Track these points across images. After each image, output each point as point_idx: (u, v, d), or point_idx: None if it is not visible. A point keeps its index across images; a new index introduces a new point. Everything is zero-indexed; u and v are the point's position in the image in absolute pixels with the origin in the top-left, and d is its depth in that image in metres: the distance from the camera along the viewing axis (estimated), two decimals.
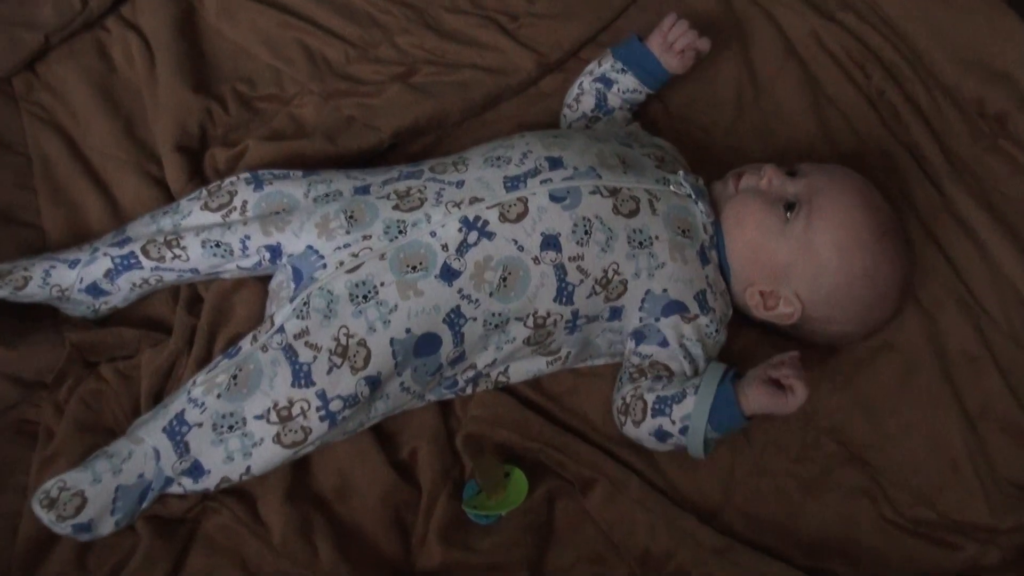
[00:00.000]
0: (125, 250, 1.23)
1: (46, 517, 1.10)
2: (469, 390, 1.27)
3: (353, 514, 1.22)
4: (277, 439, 1.13)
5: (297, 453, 1.16)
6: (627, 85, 1.40)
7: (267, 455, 1.14)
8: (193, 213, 1.24)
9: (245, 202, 1.24)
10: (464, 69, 1.47)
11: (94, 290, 1.24)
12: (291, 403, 1.13)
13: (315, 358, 1.14)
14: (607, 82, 1.40)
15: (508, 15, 1.52)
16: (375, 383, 1.16)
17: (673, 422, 1.19)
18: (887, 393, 1.34)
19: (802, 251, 1.25)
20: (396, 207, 1.21)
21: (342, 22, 1.49)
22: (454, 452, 1.26)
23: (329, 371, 1.14)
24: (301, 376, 1.13)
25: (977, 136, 1.50)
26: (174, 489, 1.16)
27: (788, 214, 1.26)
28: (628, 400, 1.23)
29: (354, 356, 1.15)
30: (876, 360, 1.35)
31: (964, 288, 1.40)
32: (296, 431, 1.13)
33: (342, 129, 1.39)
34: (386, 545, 1.21)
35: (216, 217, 1.24)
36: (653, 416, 1.20)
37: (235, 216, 1.24)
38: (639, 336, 1.27)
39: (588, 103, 1.41)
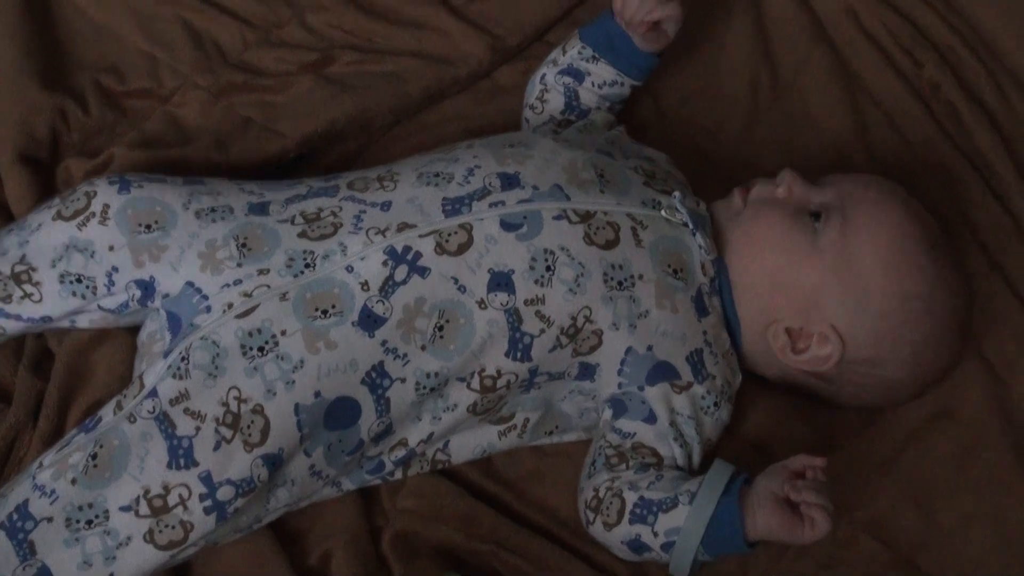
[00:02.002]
0: None
1: None
2: (399, 474, 1.28)
3: None
4: (149, 537, 1.14)
5: (175, 557, 1.16)
6: (603, 76, 1.43)
7: (136, 559, 1.14)
8: (43, 226, 1.24)
9: (106, 206, 1.23)
10: (397, 56, 1.50)
11: None
12: (167, 489, 1.13)
13: (198, 430, 1.15)
14: (577, 74, 1.43)
15: None
16: (276, 463, 1.17)
17: (655, 534, 1.20)
18: (943, 476, 1.35)
19: (837, 271, 1.28)
20: (303, 234, 1.22)
21: None
22: (379, 556, 1.27)
23: (216, 447, 1.15)
24: (179, 454, 1.14)
25: None
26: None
27: (816, 224, 1.28)
28: (602, 494, 1.24)
29: (248, 427, 1.16)
30: (930, 432, 1.37)
31: None
32: (174, 527, 1.14)
33: (236, 134, 1.42)
34: None
35: (71, 228, 1.23)
36: (632, 522, 1.21)
37: (93, 223, 1.23)
38: (618, 406, 1.28)
39: (556, 103, 1.44)
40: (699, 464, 1.28)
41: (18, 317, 1.24)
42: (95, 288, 1.23)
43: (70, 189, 1.27)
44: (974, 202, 1.49)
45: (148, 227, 1.23)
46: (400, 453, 1.25)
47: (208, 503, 1.14)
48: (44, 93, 1.42)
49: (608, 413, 1.28)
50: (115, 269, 1.22)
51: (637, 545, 1.21)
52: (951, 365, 1.36)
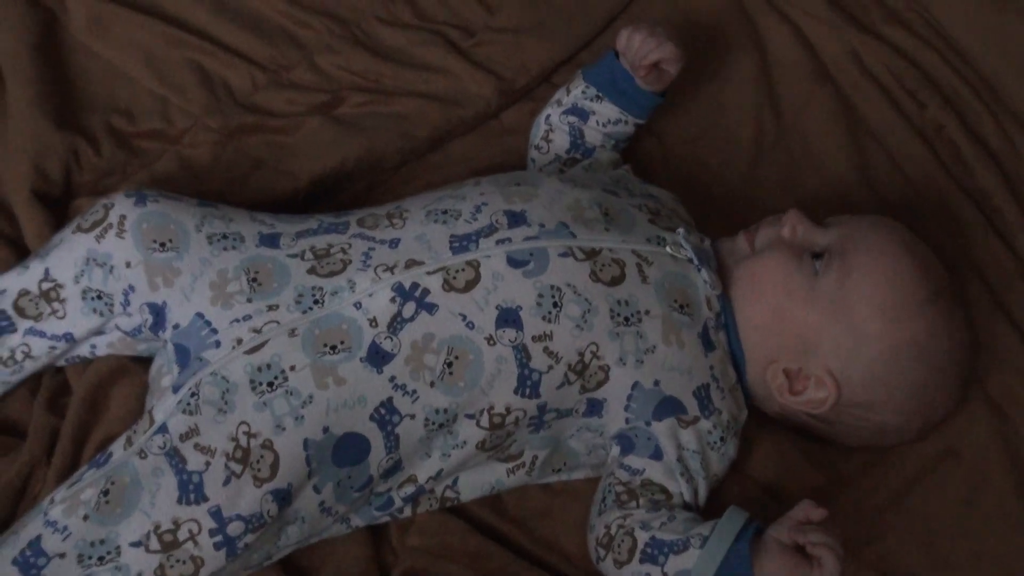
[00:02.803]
0: None
1: None
2: (408, 511, 1.29)
3: None
4: (160, 573, 1.14)
5: None
6: (607, 115, 1.45)
7: None
8: (64, 240, 1.26)
9: (123, 217, 1.25)
10: (404, 98, 1.51)
11: None
12: (177, 524, 1.14)
13: (207, 465, 1.16)
14: (581, 113, 1.46)
15: (462, 29, 1.57)
16: (285, 498, 1.18)
17: (665, 574, 1.20)
18: (950, 514, 1.36)
19: (835, 315, 1.29)
20: (312, 270, 1.24)
21: (248, 38, 1.54)
22: None
23: (226, 482, 1.16)
24: (189, 489, 1.15)
25: None
26: None
27: (817, 264, 1.30)
28: (613, 532, 1.24)
29: (257, 462, 1.17)
30: (935, 471, 1.37)
31: None
32: (184, 562, 1.15)
33: (247, 175, 1.43)
34: None
35: (90, 240, 1.25)
36: (642, 561, 1.21)
37: (111, 235, 1.24)
38: (626, 443, 1.29)
39: (561, 142, 1.46)
40: (705, 500, 1.29)
41: (43, 334, 1.26)
42: (112, 306, 1.25)
43: (96, 207, 1.28)
44: (977, 242, 1.51)
45: (162, 245, 1.24)
46: (409, 490, 1.26)
47: (218, 538, 1.15)
48: (57, 133, 1.43)
49: (616, 450, 1.29)
50: (131, 288, 1.24)
51: None
52: (948, 412, 1.37)
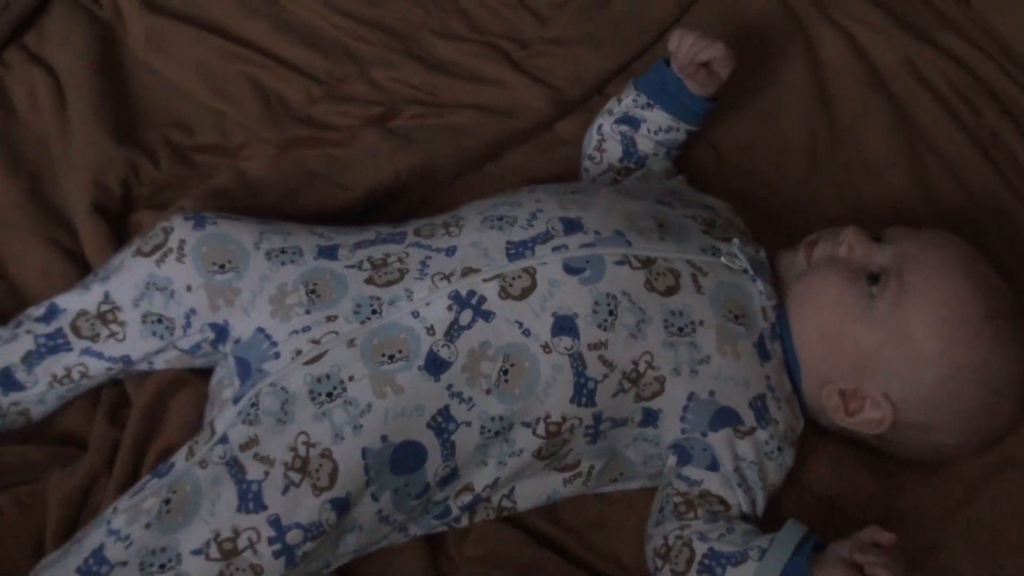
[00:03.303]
0: (52, 327, 1.27)
1: None
2: (465, 520, 1.30)
3: None
4: None
5: None
6: (658, 122, 1.46)
7: None
8: (124, 262, 1.28)
9: (183, 242, 1.26)
10: (459, 109, 1.53)
11: (6, 380, 1.27)
12: (236, 532, 1.16)
13: (267, 474, 1.17)
14: (633, 122, 1.47)
15: (515, 41, 1.59)
16: (344, 507, 1.19)
17: None
18: (1009, 525, 1.35)
19: (891, 337, 1.28)
20: (369, 280, 1.25)
21: (303, 52, 1.56)
22: None
23: (285, 491, 1.17)
24: (249, 498, 1.16)
25: None
26: None
27: (873, 288, 1.29)
28: (671, 542, 1.24)
29: (316, 471, 1.18)
30: (995, 481, 1.37)
31: None
32: (244, 570, 1.16)
33: (303, 187, 1.45)
34: None
35: (151, 264, 1.26)
36: (699, 572, 1.21)
37: (171, 259, 1.26)
38: (683, 453, 1.29)
39: (614, 152, 1.47)
40: (763, 510, 1.29)
41: (101, 355, 1.27)
42: (173, 329, 1.26)
43: (149, 228, 1.30)
44: None
45: (222, 267, 1.26)
46: (466, 499, 1.27)
47: (277, 547, 1.16)
48: (117, 148, 1.45)
49: (673, 460, 1.29)
50: (192, 311, 1.26)
51: None
52: (1008, 430, 1.36)
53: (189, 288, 1.26)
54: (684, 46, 1.42)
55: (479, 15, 1.62)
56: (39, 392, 1.29)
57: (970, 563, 1.33)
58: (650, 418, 1.28)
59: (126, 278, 1.27)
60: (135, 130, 1.50)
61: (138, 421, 1.29)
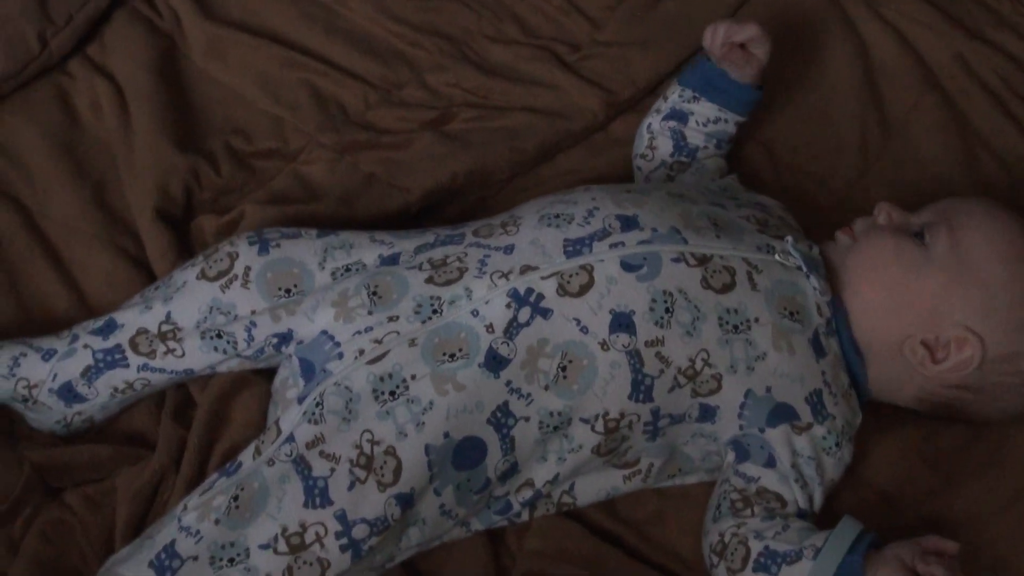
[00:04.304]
0: (110, 342, 1.30)
1: None
2: (525, 515, 1.31)
3: None
4: (288, 574, 1.18)
5: None
6: (706, 114, 1.48)
7: None
8: (188, 284, 1.30)
9: (248, 268, 1.29)
10: (513, 112, 1.54)
11: (67, 393, 1.31)
12: (304, 528, 1.18)
13: (332, 471, 1.20)
14: (681, 116, 1.49)
15: (568, 44, 1.60)
16: (408, 502, 1.21)
17: None
18: None
19: (956, 274, 1.29)
20: (430, 280, 1.27)
21: (360, 58, 1.58)
22: None
23: (351, 487, 1.19)
24: (315, 494, 1.19)
25: None
26: None
27: (924, 240, 1.31)
28: (727, 540, 1.26)
29: (381, 468, 1.20)
30: None
31: None
32: (312, 564, 1.18)
33: (361, 190, 1.47)
34: None
35: (215, 289, 1.29)
36: (755, 570, 1.22)
37: (236, 286, 1.28)
38: (740, 450, 1.29)
39: (665, 148, 1.49)
40: (820, 506, 1.30)
41: (162, 370, 1.30)
42: (236, 343, 1.29)
43: (212, 247, 1.32)
44: None
45: (288, 291, 1.29)
46: (527, 494, 1.28)
47: (344, 541, 1.18)
48: (179, 155, 1.47)
49: (731, 456, 1.30)
50: (254, 324, 1.28)
51: None
52: None
53: (253, 312, 1.29)
54: (718, 35, 1.44)
55: (531, 19, 1.63)
56: (101, 402, 1.32)
57: (1021, 557, 1.34)
58: (707, 414, 1.29)
59: (189, 301, 1.30)
60: (196, 137, 1.52)
61: (204, 421, 1.32)
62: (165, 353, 1.30)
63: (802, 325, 1.29)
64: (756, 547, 1.23)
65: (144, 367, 1.30)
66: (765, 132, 1.57)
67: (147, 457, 1.33)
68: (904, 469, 1.38)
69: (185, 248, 1.43)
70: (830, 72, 1.63)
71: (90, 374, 1.30)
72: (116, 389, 1.31)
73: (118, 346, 1.29)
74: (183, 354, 1.30)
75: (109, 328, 1.31)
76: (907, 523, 1.32)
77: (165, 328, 1.29)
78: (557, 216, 1.30)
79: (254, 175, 1.51)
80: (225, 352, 1.30)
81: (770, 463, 1.29)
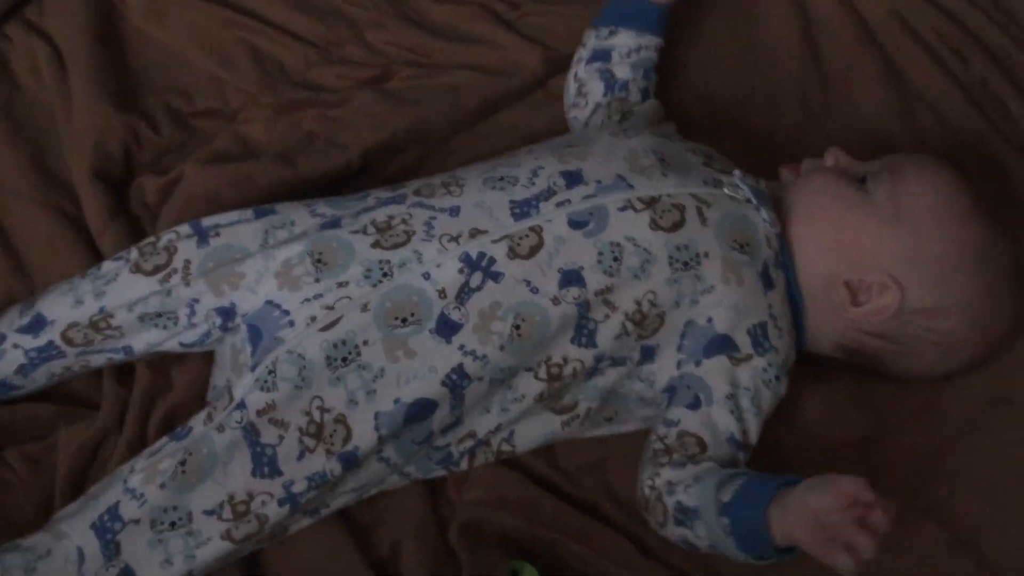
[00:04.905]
0: (41, 340, 1.29)
1: None
2: (464, 464, 1.33)
3: None
4: (227, 535, 1.20)
5: (246, 546, 1.23)
6: (627, 44, 1.49)
7: (213, 554, 1.21)
8: (120, 277, 1.29)
9: (188, 262, 1.29)
10: (453, 70, 1.54)
11: (2, 387, 1.32)
12: (251, 496, 1.21)
13: (281, 439, 1.21)
14: (603, 55, 1.50)
15: (507, 3, 1.61)
16: (352, 461, 1.23)
17: (698, 537, 1.22)
18: (1004, 461, 1.37)
19: (890, 222, 1.31)
20: (376, 244, 1.27)
21: (299, 17, 1.57)
22: (447, 547, 1.30)
23: (300, 456, 1.22)
24: (263, 463, 1.21)
25: None
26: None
27: (866, 186, 1.33)
28: (647, 494, 1.27)
29: (331, 437, 1.22)
30: (988, 418, 1.39)
31: None
32: (251, 521, 1.21)
33: (301, 148, 1.47)
34: None
35: (152, 283, 1.29)
36: (676, 524, 1.23)
37: (176, 280, 1.28)
38: (671, 394, 1.31)
39: (596, 90, 1.50)
40: (756, 439, 1.30)
41: (101, 351, 1.31)
42: (176, 319, 1.29)
43: (147, 241, 1.32)
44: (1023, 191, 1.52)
45: (229, 265, 1.29)
46: (468, 444, 1.30)
47: (283, 496, 1.21)
48: (117, 115, 1.47)
49: (664, 403, 1.31)
50: (195, 300, 1.28)
51: (687, 544, 1.25)
52: (1009, 323, 1.37)
53: (188, 284, 1.28)
54: None
55: None
56: (40, 385, 1.33)
57: (965, 497, 1.35)
58: (648, 354, 1.30)
59: (123, 295, 1.29)
60: (135, 97, 1.52)
61: (145, 381, 1.34)
62: (103, 340, 1.29)
63: (751, 257, 1.30)
64: (670, 503, 1.23)
65: (82, 353, 1.30)
66: (706, 87, 1.58)
67: (89, 417, 1.34)
68: (840, 415, 1.39)
69: (124, 208, 1.44)
70: (770, 29, 1.63)
71: (24, 370, 1.31)
72: (54, 374, 1.32)
73: (51, 343, 1.29)
74: (122, 335, 1.29)
75: (38, 325, 1.30)
76: (843, 468, 1.28)
77: (97, 318, 1.28)
78: (501, 179, 1.32)
79: (194, 135, 1.51)
80: (166, 328, 1.29)
81: (694, 404, 1.29)
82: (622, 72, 1.49)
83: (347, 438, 1.22)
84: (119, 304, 1.28)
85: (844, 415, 1.39)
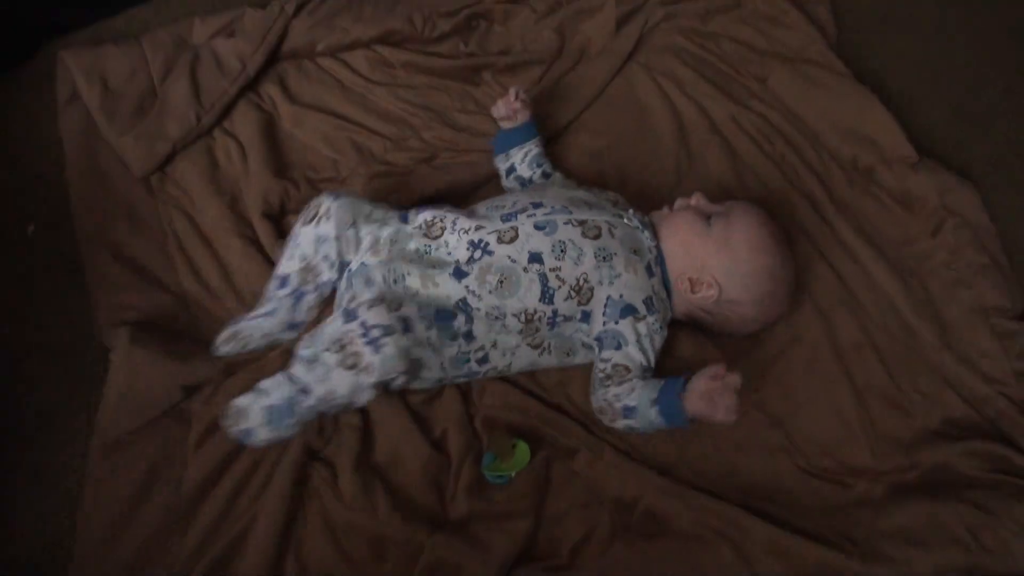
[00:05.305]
0: (288, 288, 1.30)
1: (223, 423, 1.20)
2: (481, 374, 1.31)
3: (402, 479, 1.28)
4: (340, 364, 1.18)
5: (358, 376, 1.17)
6: (520, 156, 1.45)
7: (338, 378, 1.18)
8: (301, 234, 1.29)
9: (328, 208, 1.28)
10: (472, 152, 1.54)
11: (292, 327, 1.32)
12: (344, 336, 1.18)
13: (360, 305, 1.20)
14: (510, 169, 1.46)
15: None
16: (406, 323, 1.19)
17: (638, 423, 1.24)
18: (797, 375, 1.39)
19: (721, 246, 1.30)
20: (424, 235, 1.28)
21: (382, 123, 1.57)
22: (474, 431, 1.32)
23: (371, 307, 1.19)
24: (352, 318, 1.19)
25: (853, 184, 1.57)
26: (304, 402, 1.19)
27: (710, 221, 1.32)
28: (603, 404, 1.26)
29: (392, 303, 1.20)
30: (788, 351, 1.41)
31: (849, 294, 1.46)
32: (350, 357, 1.17)
33: (384, 199, 1.41)
34: (426, 501, 1.26)
35: (311, 228, 1.28)
36: (624, 418, 1.25)
37: (323, 223, 1.27)
38: (600, 342, 1.29)
39: (519, 185, 1.46)
40: (654, 364, 1.30)
41: (316, 287, 1.30)
42: (334, 265, 1.29)
43: (306, 206, 1.31)
44: (808, 219, 1.53)
45: (352, 224, 1.28)
46: (480, 355, 1.29)
47: (366, 339, 1.17)
48: (275, 181, 1.48)
49: (597, 349, 1.30)
50: (328, 256, 1.29)
51: (631, 429, 1.26)
52: (782, 314, 1.38)
53: (331, 239, 1.27)
54: (499, 111, 1.44)
55: (482, 99, 1.62)
56: (304, 317, 1.33)
57: (776, 396, 1.38)
58: (585, 316, 1.30)
59: (305, 240, 1.29)
60: (285, 171, 1.52)
61: None
62: (314, 277, 1.30)
63: (640, 258, 1.31)
64: (618, 406, 1.25)
65: (316, 288, 1.31)
66: (617, 157, 1.56)
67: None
68: (701, 350, 1.39)
69: (281, 235, 1.43)
70: (654, 124, 1.62)
71: (294, 310, 1.31)
72: (310, 307, 1.32)
73: (295, 290, 1.30)
74: (319, 273, 1.30)
75: (284, 281, 1.31)
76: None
77: (302, 264, 1.29)
78: (496, 206, 1.34)
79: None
80: (332, 267, 1.30)
81: (618, 347, 1.28)
82: (526, 172, 1.46)
83: (399, 306, 1.21)
84: (306, 245, 1.29)
85: (704, 348, 1.40)
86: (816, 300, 1.46)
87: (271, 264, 1.39)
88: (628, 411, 1.24)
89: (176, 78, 1.54)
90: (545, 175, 1.46)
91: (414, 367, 1.22)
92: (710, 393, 1.17)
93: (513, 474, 1.27)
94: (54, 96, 1.54)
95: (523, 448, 1.28)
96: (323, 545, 1.23)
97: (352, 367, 1.17)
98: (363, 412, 1.32)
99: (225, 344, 1.31)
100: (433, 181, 1.49)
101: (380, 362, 1.18)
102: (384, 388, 1.23)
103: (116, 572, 1.19)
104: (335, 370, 1.18)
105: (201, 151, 1.53)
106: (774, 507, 1.28)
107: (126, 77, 1.53)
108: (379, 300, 1.20)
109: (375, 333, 1.17)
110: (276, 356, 1.33)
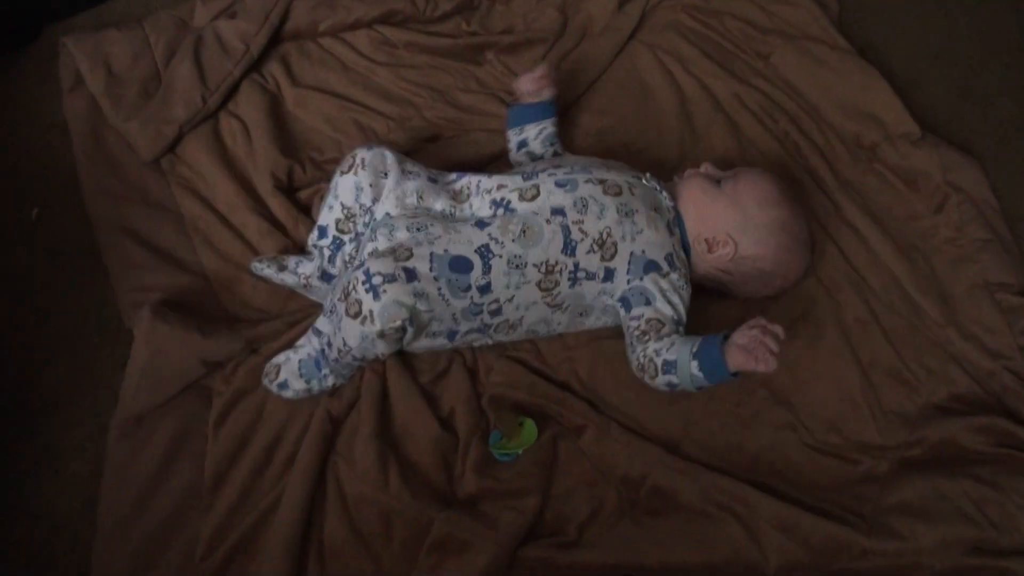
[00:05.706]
0: (329, 238, 1.31)
1: (264, 381, 1.26)
2: (493, 327, 1.28)
3: (412, 454, 1.28)
4: (346, 312, 1.18)
5: (364, 326, 1.16)
6: (534, 132, 1.44)
7: (346, 327, 1.18)
8: (339, 183, 1.30)
9: (364, 158, 1.28)
10: (476, 132, 1.54)
11: (326, 278, 1.33)
12: (349, 283, 1.18)
13: (370, 254, 1.22)
14: (522, 144, 1.46)
15: (507, 91, 1.60)
16: (411, 273, 1.19)
17: (680, 379, 1.22)
18: (802, 352, 1.39)
19: (731, 205, 1.32)
20: (452, 196, 1.29)
21: (385, 103, 1.56)
22: (481, 410, 1.32)
23: (378, 256, 1.20)
24: (360, 264, 1.20)
25: (856, 161, 1.57)
26: (331, 355, 1.22)
27: (720, 185, 1.34)
28: (643, 360, 1.25)
29: (401, 254, 1.20)
30: (793, 328, 1.40)
31: (854, 272, 1.46)
32: (353, 304, 1.17)
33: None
34: (435, 477, 1.27)
35: (351, 176, 1.28)
36: (664, 373, 1.23)
37: (358, 169, 1.28)
38: (626, 302, 1.28)
39: (528, 159, 1.47)
40: (684, 317, 1.29)
41: (353, 235, 1.30)
42: (366, 215, 1.29)
43: (344, 158, 1.32)
44: (812, 197, 1.53)
45: (384, 174, 1.29)
46: (494, 307, 1.26)
47: (367, 286, 1.17)
48: (281, 158, 1.47)
49: (623, 311, 1.29)
50: (364, 204, 1.29)
51: (671, 385, 1.24)
52: (801, 269, 1.38)
53: (365, 188, 1.28)
54: (520, 88, 1.43)
55: (485, 78, 1.61)
56: (337, 270, 1.32)
57: (782, 376, 1.37)
58: (609, 275, 1.29)
59: (342, 190, 1.30)
60: (290, 151, 1.52)
61: None
62: (353, 227, 1.30)
63: (660, 215, 1.31)
64: (659, 361, 1.23)
65: (352, 239, 1.31)
66: (624, 135, 1.56)
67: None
68: (729, 312, 1.38)
69: (292, 206, 1.43)
70: (659, 103, 1.62)
71: (332, 259, 1.31)
72: (345, 261, 1.31)
73: (335, 238, 1.31)
74: (356, 223, 1.31)
75: (322, 232, 1.32)
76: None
77: (343, 214, 1.30)
78: (517, 169, 1.36)
79: (324, 173, 1.50)
80: (366, 216, 1.30)
81: (647, 303, 1.28)
82: (538, 148, 1.46)
83: (409, 257, 1.20)
84: (346, 197, 1.30)
85: (730, 307, 1.40)
86: (821, 277, 1.46)
87: (288, 239, 1.41)
88: (668, 365, 1.22)
89: (180, 60, 1.53)
90: (556, 155, 1.46)
91: (419, 318, 1.21)
92: (752, 343, 1.15)
93: (520, 452, 1.26)
94: (56, 80, 1.54)
95: (530, 426, 1.28)
96: (335, 519, 1.23)
97: (356, 315, 1.17)
98: (383, 382, 1.32)
99: (261, 263, 1.34)
100: (436, 160, 1.46)
101: (380, 309, 1.17)
102: (398, 342, 1.22)
103: (139, 548, 1.20)
104: (344, 319, 1.18)
105: (208, 132, 1.52)
106: (781, 483, 1.29)
107: (129, 61, 1.53)
108: (389, 252, 1.21)
109: (376, 280, 1.17)
110: (297, 335, 1.34)
